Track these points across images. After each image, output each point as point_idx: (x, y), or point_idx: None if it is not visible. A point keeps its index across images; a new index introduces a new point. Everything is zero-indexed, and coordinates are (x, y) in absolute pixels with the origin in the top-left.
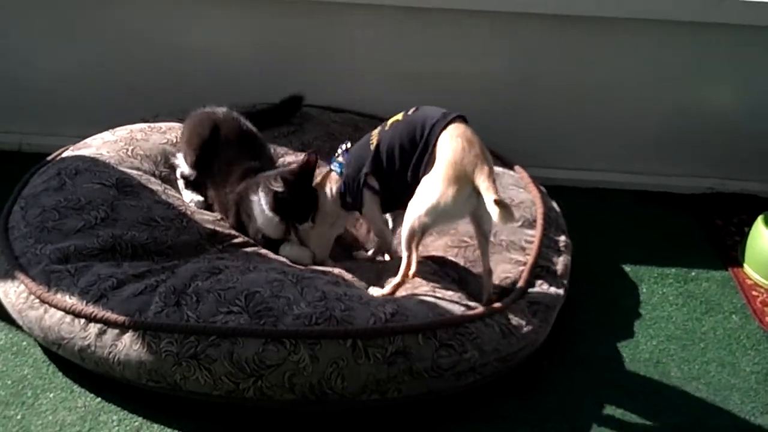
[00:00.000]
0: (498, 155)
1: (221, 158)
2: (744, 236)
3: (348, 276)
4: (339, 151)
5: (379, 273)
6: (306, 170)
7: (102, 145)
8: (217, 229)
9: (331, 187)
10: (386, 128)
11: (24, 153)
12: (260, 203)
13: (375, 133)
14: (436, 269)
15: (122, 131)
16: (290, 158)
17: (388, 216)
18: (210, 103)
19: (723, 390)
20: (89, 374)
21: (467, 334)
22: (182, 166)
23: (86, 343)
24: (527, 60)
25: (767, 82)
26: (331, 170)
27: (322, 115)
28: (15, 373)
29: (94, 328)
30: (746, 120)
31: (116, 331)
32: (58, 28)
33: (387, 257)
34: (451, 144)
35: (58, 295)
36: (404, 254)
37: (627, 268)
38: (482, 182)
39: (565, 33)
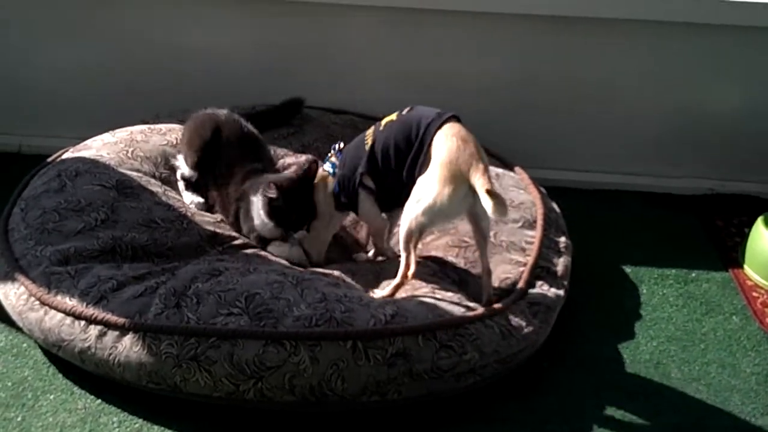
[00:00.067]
0: (498, 156)
1: (223, 160)
2: (744, 237)
3: (347, 278)
4: (332, 151)
5: (379, 275)
6: (305, 179)
7: (102, 147)
8: (218, 230)
9: (325, 187)
10: (381, 128)
11: (24, 155)
12: (258, 204)
13: (369, 133)
14: (436, 270)
15: (122, 133)
16: (290, 159)
17: (384, 216)
18: (210, 103)
19: (723, 391)
20: (89, 376)
21: (467, 335)
22: (183, 167)
23: (86, 344)
24: (527, 61)
25: (767, 83)
26: (323, 170)
27: (322, 116)
28: (15, 375)
29: (94, 330)
30: (746, 121)
31: (116, 332)
32: (58, 28)
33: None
34: (447, 143)
35: (59, 297)
36: (402, 255)
37: (627, 269)
38: (477, 179)
39: (565, 34)
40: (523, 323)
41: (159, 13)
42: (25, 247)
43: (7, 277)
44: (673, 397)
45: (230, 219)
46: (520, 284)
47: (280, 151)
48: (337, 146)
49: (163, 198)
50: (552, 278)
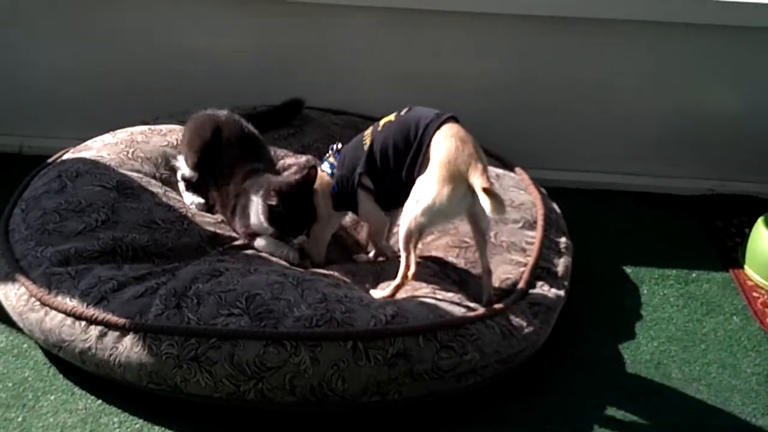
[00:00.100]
0: (498, 157)
1: (223, 160)
2: (744, 237)
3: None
4: (330, 151)
5: (380, 275)
6: (305, 184)
7: (102, 148)
8: (218, 231)
9: (323, 187)
10: (379, 128)
11: (24, 155)
12: (258, 204)
13: (367, 133)
14: (437, 270)
15: (123, 133)
16: (290, 160)
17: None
18: (210, 104)
19: (724, 391)
20: (90, 376)
21: (468, 335)
22: (183, 168)
23: (87, 345)
24: (526, 62)
25: (767, 83)
26: (322, 171)
27: (323, 117)
28: (16, 376)
29: (94, 331)
30: (746, 121)
31: (117, 333)
32: (59, 29)
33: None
34: (445, 144)
35: (59, 298)
36: (402, 255)
37: (628, 270)
38: (476, 179)
39: (565, 35)
40: (524, 323)
41: (159, 13)
42: (26, 248)
43: (8, 277)
44: (673, 397)
45: (228, 215)
46: (521, 285)
47: (281, 152)
48: (335, 147)
49: (164, 199)
50: (552, 279)
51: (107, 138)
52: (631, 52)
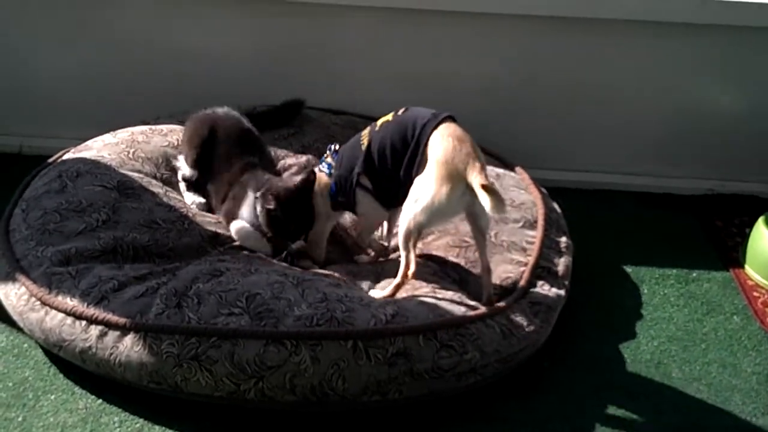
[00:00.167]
0: (498, 156)
1: (221, 155)
2: (745, 237)
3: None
4: (327, 152)
5: (380, 275)
6: (304, 189)
7: (103, 148)
8: (219, 231)
9: (321, 187)
10: (376, 128)
11: (24, 155)
12: (254, 201)
13: (365, 133)
14: (437, 270)
15: (123, 133)
16: (290, 160)
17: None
18: (210, 104)
19: (724, 391)
20: (90, 376)
21: (468, 334)
22: (183, 167)
23: (87, 344)
24: (527, 61)
25: (767, 83)
26: (320, 171)
27: (323, 117)
28: (16, 375)
29: (95, 330)
30: (746, 121)
31: (117, 332)
32: (59, 29)
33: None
34: (443, 143)
35: (59, 297)
36: (402, 254)
37: (628, 269)
38: (474, 177)
39: (565, 34)
40: (524, 323)
41: (159, 13)
42: (26, 248)
43: (8, 277)
44: (673, 396)
45: (219, 202)
46: (521, 284)
47: (281, 152)
48: (332, 147)
49: (164, 199)
50: (553, 278)
51: (108, 138)
52: (632, 52)
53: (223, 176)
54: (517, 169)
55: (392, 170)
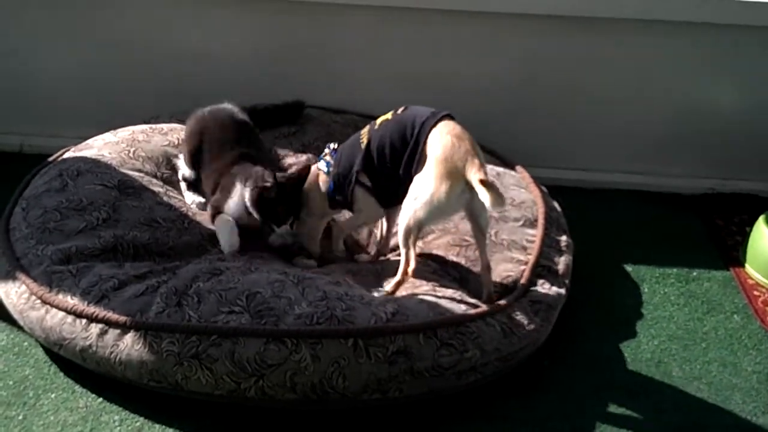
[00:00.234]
0: (499, 155)
1: (212, 146)
2: (745, 236)
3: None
4: (326, 150)
5: (380, 274)
6: (298, 178)
7: (103, 146)
8: None
9: (319, 185)
10: (376, 127)
11: (25, 154)
12: (242, 194)
13: (365, 132)
14: (437, 268)
15: (124, 132)
16: (291, 159)
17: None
18: (210, 104)
19: (724, 390)
20: (90, 374)
21: (468, 333)
22: (183, 167)
23: (88, 343)
24: (527, 60)
25: (767, 82)
26: (318, 169)
27: (323, 116)
28: (16, 374)
29: (95, 329)
30: (747, 120)
31: (117, 331)
32: (59, 29)
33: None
34: (442, 141)
35: (60, 296)
36: (402, 252)
37: (628, 268)
38: (473, 174)
39: (565, 33)
40: (525, 321)
41: (159, 13)
42: (27, 246)
43: (9, 276)
44: (674, 395)
45: (209, 193)
46: (522, 282)
47: (281, 152)
48: (331, 146)
49: (165, 198)
50: (553, 277)
51: (108, 137)
52: (632, 50)
53: (214, 166)
54: (518, 167)
55: (391, 168)
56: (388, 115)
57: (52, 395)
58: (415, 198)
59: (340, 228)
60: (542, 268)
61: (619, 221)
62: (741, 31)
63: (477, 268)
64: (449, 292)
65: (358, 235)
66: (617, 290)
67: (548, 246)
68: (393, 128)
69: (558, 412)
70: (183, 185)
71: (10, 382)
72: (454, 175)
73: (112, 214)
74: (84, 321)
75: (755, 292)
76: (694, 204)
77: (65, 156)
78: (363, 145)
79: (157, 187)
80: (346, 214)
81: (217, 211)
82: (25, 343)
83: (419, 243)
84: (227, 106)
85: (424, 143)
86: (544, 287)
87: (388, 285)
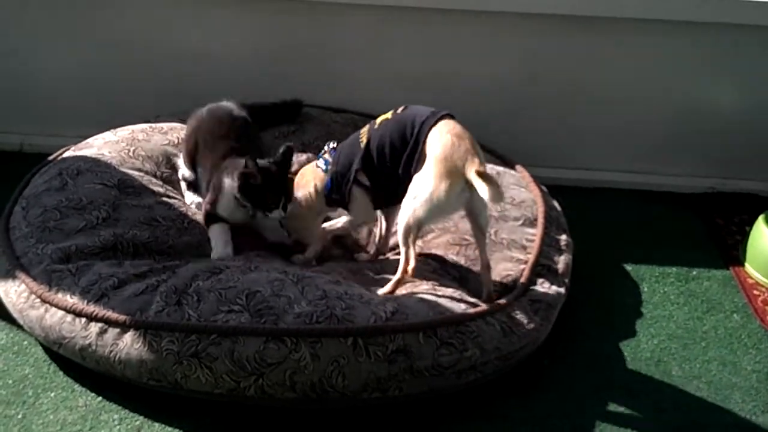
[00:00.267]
0: (499, 155)
1: (207, 146)
2: (745, 235)
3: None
4: (325, 148)
5: (379, 273)
6: (282, 162)
7: (103, 146)
8: None
9: (316, 183)
10: (375, 126)
11: (25, 153)
12: (232, 185)
13: (364, 131)
14: (437, 267)
15: (124, 131)
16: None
17: (378, 213)
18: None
19: (724, 389)
20: (90, 373)
21: (468, 332)
22: (182, 168)
23: (87, 342)
24: (527, 60)
25: (767, 82)
26: (316, 167)
27: (323, 115)
28: (16, 373)
29: (95, 328)
30: (747, 119)
31: (117, 330)
32: (59, 28)
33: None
34: (441, 140)
35: (59, 295)
36: (402, 250)
37: (628, 267)
38: (472, 170)
39: (565, 33)
40: (524, 320)
41: (159, 13)
42: (26, 245)
43: (8, 275)
44: (673, 394)
45: (204, 190)
46: (522, 281)
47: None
48: (331, 144)
49: (164, 197)
50: (553, 276)
51: (108, 136)
52: (632, 50)
53: (207, 164)
54: (518, 167)
55: (391, 168)
56: (388, 115)
57: (52, 394)
58: (415, 197)
59: (323, 233)
60: (542, 267)
61: (619, 220)
62: (741, 31)
63: (477, 267)
64: (449, 291)
65: (357, 234)
66: (617, 289)
67: (548, 245)
68: (393, 127)
69: (558, 411)
70: (183, 185)
71: (10, 381)
72: (454, 173)
73: (112, 213)
74: (83, 320)
75: (755, 292)
76: (694, 203)
77: (65, 155)
78: (362, 144)
79: (156, 186)
80: (341, 214)
81: (211, 212)
82: (25, 342)
83: (419, 242)
84: (224, 103)
85: (424, 142)
86: (543, 286)
87: (388, 283)
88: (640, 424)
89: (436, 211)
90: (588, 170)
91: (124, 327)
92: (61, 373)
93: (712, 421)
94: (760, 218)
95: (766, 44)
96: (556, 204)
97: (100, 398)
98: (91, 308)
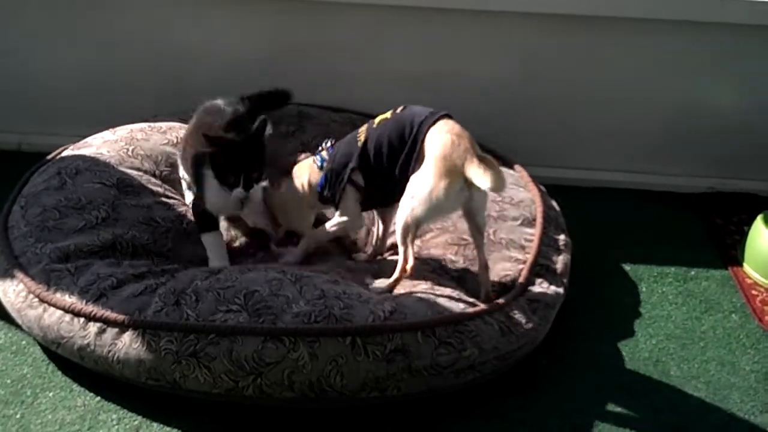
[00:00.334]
0: (498, 155)
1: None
2: (744, 235)
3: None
4: (324, 145)
5: (378, 273)
6: (252, 136)
7: (102, 145)
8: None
9: (310, 178)
10: (374, 126)
11: (24, 152)
12: (211, 175)
13: (362, 130)
14: (435, 267)
15: (123, 131)
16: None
17: (375, 214)
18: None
19: (722, 389)
20: (88, 373)
21: (466, 332)
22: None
23: (85, 341)
24: (527, 60)
25: (767, 81)
26: (313, 163)
27: (322, 114)
28: (14, 372)
29: (93, 327)
30: (746, 119)
31: (116, 329)
32: (58, 28)
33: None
34: (440, 139)
35: (58, 294)
36: (400, 249)
37: (627, 267)
38: (470, 164)
39: (565, 33)
40: (523, 320)
41: (159, 13)
42: (25, 245)
43: (7, 274)
44: (672, 394)
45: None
46: (520, 281)
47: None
48: (329, 141)
49: (163, 197)
50: (551, 276)
51: (107, 135)
52: (632, 49)
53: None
54: (516, 166)
55: (388, 167)
56: (387, 114)
57: (50, 394)
58: (413, 196)
59: (311, 238)
60: (540, 267)
61: (618, 220)
62: (741, 31)
63: (475, 267)
64: (447, 290)
65: (356, 234)
66: (615, 289)
67: (546, 245)
68: (391, 127)
69: (556, 411)
70: (183, 184)
71: (8, 381)
72: (453, 172)
73: (111, 213)
74: (82, 320)
75: (753, 291)
76: (693, 203)
77: (64, 154)
78: (360, 143)
79: (155, 186)
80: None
81: (200, 210)
82: (23, 342)
83: (417, 242)
84: (216, 100)
85: (422, 142)
86: (542, 286)
87: (383, 282)
88: (639, 423)
89: (435, 210)
90: (587, 170)
91: (122, 327)
92: (59, 372)
93: (711, 421)
94: (759, 218)
95: (766, 44)
96: (554, 204)
97: (98, 398)
98: (90, 308)
